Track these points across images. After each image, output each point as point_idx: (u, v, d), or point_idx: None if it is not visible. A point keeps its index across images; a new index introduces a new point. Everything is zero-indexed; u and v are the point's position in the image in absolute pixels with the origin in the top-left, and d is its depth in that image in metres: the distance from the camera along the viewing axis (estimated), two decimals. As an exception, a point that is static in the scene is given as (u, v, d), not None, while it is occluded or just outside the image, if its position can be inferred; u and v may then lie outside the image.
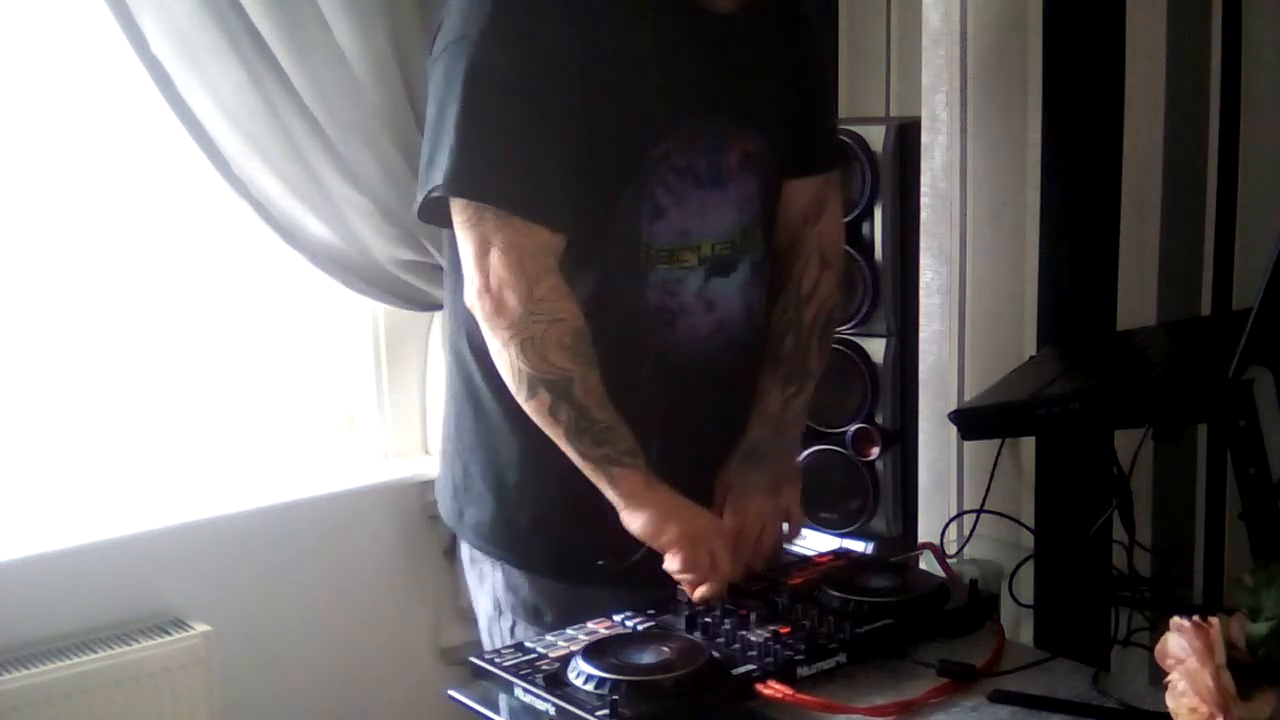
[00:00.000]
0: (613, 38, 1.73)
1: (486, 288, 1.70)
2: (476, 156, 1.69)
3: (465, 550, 1.98)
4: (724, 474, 1.88)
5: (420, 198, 1.75)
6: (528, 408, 1.73)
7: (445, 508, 1.98)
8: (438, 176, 1.70)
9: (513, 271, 1.69)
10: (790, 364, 1.93)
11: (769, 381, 1.92)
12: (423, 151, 1.76)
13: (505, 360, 1.72)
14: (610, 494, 1.74)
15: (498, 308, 1.70)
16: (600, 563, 1.79)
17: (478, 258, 1.71)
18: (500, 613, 1.91)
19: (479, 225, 1.70)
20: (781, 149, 1.89)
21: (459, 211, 1.72)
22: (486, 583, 1.93)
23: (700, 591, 1.72)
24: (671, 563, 1.74)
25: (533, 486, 1.85)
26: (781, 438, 1.92)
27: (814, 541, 2.57)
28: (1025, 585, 2.22)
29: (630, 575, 1.78)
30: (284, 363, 2.97)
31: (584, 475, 1.77)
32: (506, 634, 1.91)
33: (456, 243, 1.78)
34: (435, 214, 1.76)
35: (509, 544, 1.89)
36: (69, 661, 2.48)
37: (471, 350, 1.86)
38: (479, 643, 2.00)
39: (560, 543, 1.86)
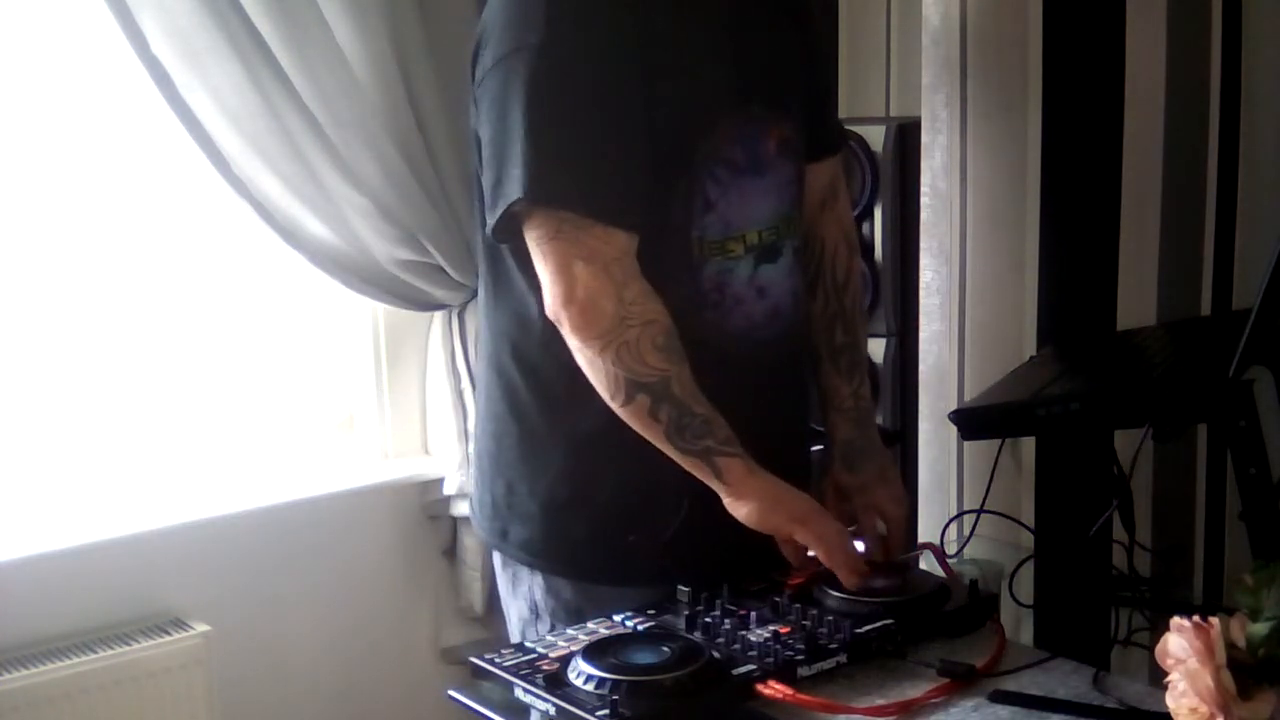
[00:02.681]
0: (663, 35, 1.74)
1: (573, 299, 1.69)
2: (552, 166, 1.68)
3: (497, 557, 1.98)
4: (832, 480, 1.90)
5: (498, 214, 1.72)
6: (624, 413, 1.72)
7: (484, 528, 1.95)
8: (515, 190, 1.68)
9: (600, 280, 1.68)
10: (848, 355, 1.96)
11: (834, 379, 1.95)
12: (487, 171, 1.74)
13: (599, 369, 1.71)
14: (715, 484, 1.73)
15: (589, 318, 1.69)
16: (631, 538, 1.80)
17: (560, 270, 1.69)
18: (538, 616, 1.89)
19: (557, 237, 1.69)
20: (804, 133, 1.90)
21: (536, 225, 1.70)
22: (523, 586, 1.92)
23: (848, 575, 1.71)
24: (788, 547, 1.75)
25: (586, 501, 1.84)
26: (867, 429, 1.95)
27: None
28: (1025, 585, 2.22)
29: (668, 558, 1.79)
30: (284, 363, 2.97)
31: (634, 484, 1.79)
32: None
33: (504, 257, 1.79)
34: (508, 231, 1.74)
35: (561, 558, 1.87)
36: (69, 661, 2.48)
37: (517, 364, 1.85)
38: (479, 643, 2.00)
39: (617, 550, 1.84)
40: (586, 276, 1.68)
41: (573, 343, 1.72)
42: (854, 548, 1.76)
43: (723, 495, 1.74)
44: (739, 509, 1.73)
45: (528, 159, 1.67)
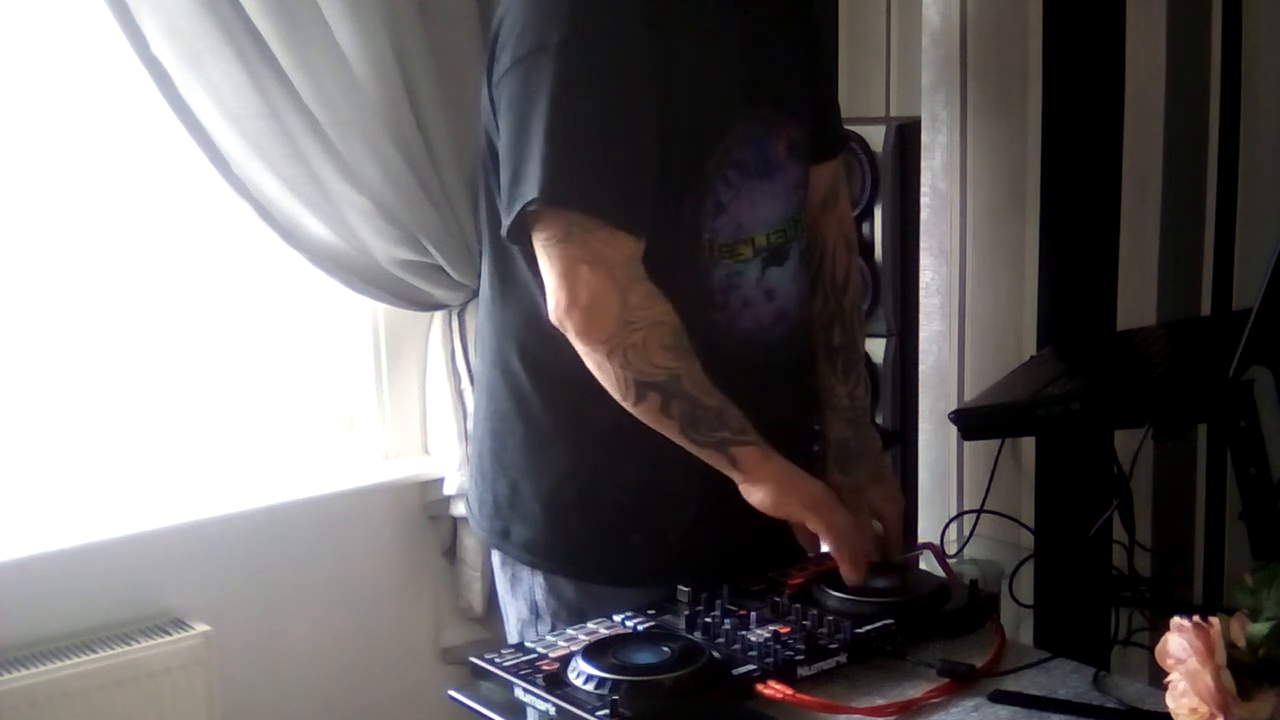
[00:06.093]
0: (678, 36, 1.73)
1: (576, 304, 1.68)
2: (567, 167, 1.67)
3: (496, 556, 1.98)
4: (826, 480, 1.89)
5: (513, 215, 1.70)
6: (637, 411, 1.72)
7: (484, 527, 1.95)
8: (531, 190, 1.67)
9: (604, 285, 1.68)
10: (845, 356, 1.96)
11: (831, 379, 1.95)
12: (504, 170, 1.73)
13: (607, 371, 1.70)
14: (731, 473, 1.73)
15: (593, 323, 1.68)
16: (636, 537, 1.81)
17: (565, 274, 1.68)
18: (538, 617, 1.89)
19: (566, 240, 1.68)
20: (810, 134, 1.90)
21: (546, 226, 1.69)
22: (523, 586, 1.92)
23: (850, 569, 1.72)
24: (803, 533, 1.77)
25: (590, 502, 1.84)
26: (862, 429, 1.95)
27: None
28: (1025, 585, 2.22)
29: (673, 557, 1.80)
30: (284, 363, 2.97)
31: (641, 483, 1.80)
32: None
33: (514, 256, 1.78)
34: (522, 233, 1.73)
35: (564, 557, 1.87)
36: (69, 661, 2.48)
37: (524, 364, 1.85)
38: (479, 643, 1.99)
39: (621, 549, 1.84)
40: (591, 280, 1.68)
41: (579, 346, 1.71)
42: (863, 542, 1.76)
43: (739, 483, 1.74)
44: (753, 494, 1.74)
45: (545, 160, 1.66)
